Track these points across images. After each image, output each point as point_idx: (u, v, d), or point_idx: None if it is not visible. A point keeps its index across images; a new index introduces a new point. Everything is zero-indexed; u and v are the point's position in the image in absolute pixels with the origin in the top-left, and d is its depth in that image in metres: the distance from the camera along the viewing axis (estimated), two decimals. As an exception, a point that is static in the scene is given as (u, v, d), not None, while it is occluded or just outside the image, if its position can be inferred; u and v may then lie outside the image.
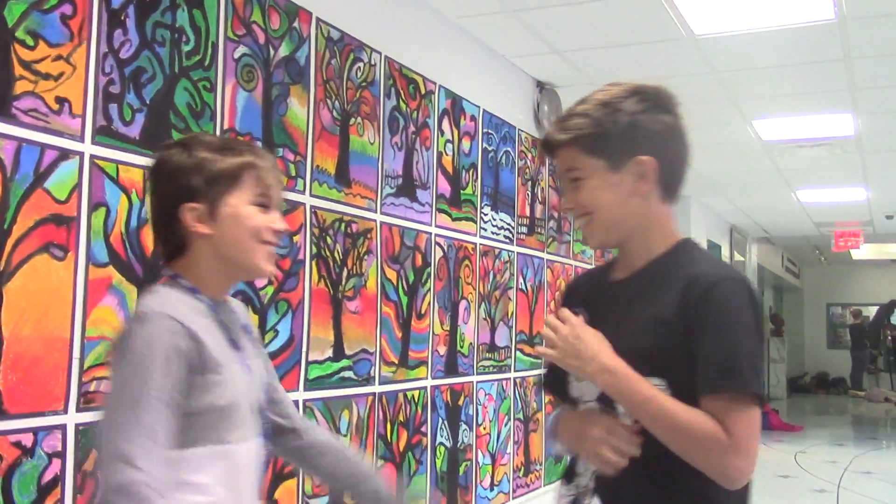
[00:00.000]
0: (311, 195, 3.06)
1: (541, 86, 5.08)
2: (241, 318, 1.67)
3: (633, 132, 1.53)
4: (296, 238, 2.98)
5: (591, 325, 1.54)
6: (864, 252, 14.06)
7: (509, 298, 4.64)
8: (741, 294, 1.48)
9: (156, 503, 1.34)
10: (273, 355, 2.82)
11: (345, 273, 3.22)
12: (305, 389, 2.98)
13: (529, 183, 4.95)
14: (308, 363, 3.00)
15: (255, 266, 1.58)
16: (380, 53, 3.51)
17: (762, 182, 8.34)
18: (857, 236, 11.54)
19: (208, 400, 1.47)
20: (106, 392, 1.47)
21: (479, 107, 4.37)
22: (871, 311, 17.41)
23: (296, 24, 3.02)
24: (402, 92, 3.66)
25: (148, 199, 1.64)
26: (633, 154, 1.53)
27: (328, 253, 3.13)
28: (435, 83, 3.94)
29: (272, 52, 2.90)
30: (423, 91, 3.83)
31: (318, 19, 3.13)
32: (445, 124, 4.02)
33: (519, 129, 4.84)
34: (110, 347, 1.53)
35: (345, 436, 3.17)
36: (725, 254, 11.15)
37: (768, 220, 11.53)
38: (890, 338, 17.02)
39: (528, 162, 4.94)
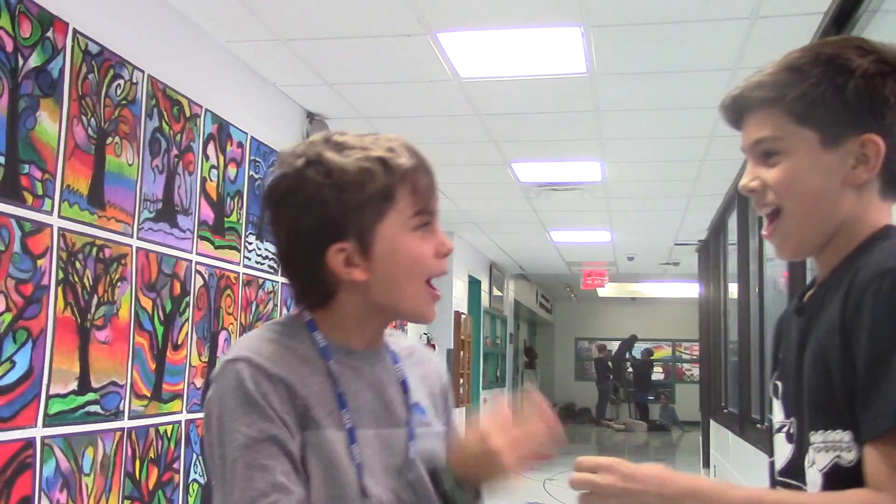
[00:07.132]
0: (60, 216, 2.85)
1: (311, 116, 5.07)
2: (400, 372, 1.31)
3: (863, 101, 1.12)
4: (40, 262, 2.76)
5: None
6: (608, 290, 15.15)
7: (272, 329, 4.55)
8: None
9: None
10: (8, 389, 2.59)
11: (95, 300, 3.02)
12: (45, 426, 2.75)
13: (296, 213, 4.90)
14: (49, 397, 2.78)
15: (417, 313, 1.25)
16: (142, 72, 3.35)
17: (519, 221, 8.78)
18: (603, 275, 12.43)
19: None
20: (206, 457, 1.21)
21: (246, 133, 4.28)
22: (614, 346, 18.79)
23: (49, 34, 2.82)
24: (165, 113, 3.52)
25: (274, 232, 1.26)
26: (857, 130, 1.14)
27: (76, 279, 2.93)
28: (201, 106, 3.82)
29: (21, 61, 2.70)
30: (187, 113, 3.70)
31: (75, 30, 2.94)
32: (211, 149, 3.91)
33: (287, 159, 4.78)
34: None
35: (88, 475, 2.96)
36: (485, 289, 11.60)
37: (524, 257, 12.14)
38: (630, 371, 18.41)
39: (296, 192, 4.89)
